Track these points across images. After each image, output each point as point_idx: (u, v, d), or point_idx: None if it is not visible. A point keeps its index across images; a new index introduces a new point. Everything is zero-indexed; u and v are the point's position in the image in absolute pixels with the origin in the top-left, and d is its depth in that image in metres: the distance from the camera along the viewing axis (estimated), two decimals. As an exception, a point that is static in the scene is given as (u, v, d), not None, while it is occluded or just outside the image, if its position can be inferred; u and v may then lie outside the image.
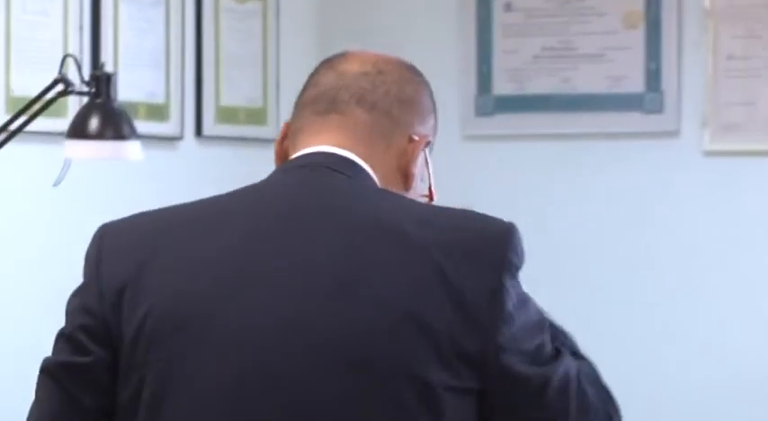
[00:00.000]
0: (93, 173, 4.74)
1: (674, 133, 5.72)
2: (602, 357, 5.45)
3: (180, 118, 5.54)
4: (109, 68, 4.77)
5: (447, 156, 5.65)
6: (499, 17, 5.89)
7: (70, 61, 4.35)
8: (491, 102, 5.90)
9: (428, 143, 3.25)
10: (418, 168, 3.29)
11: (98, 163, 4.52)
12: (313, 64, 5.90)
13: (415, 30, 5.98)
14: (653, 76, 5.71)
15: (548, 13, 5.84)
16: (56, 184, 4.30)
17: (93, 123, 4.28)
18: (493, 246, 3.09)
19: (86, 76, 4.35)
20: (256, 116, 5.85)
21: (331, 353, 3.08)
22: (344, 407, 3.11)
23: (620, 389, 3.76)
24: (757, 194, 5.69)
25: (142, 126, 4.91)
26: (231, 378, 3.08)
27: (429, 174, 3.34)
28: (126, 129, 4.34)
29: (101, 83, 4.34)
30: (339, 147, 3.19)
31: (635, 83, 5.75)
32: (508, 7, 5.89)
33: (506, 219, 5.89)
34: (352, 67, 3.28)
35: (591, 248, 5.85)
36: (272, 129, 5.77)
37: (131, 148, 4.33)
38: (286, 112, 5.59)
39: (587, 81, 5.79)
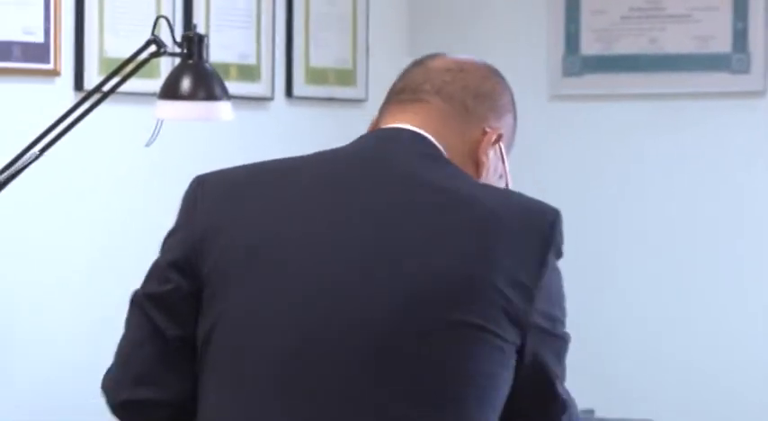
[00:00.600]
0: (184, 133, 4.77)
1: (760, 93, 5.71)
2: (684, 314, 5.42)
3: (270, 79, 5.57)
4: (201, 30, 4.75)
5: (535, 116, 5.74)
6: None
7: (162, 23, 4.37)
8: (578, 62, 5.92)
9: (500, 136, 3.45)
10: (491, 161, 3.51)
11: (189, 123, 4.55)
12: (402, 24, 5.95)
13: (500, 9, 6.01)
14: (740, 37, 5.72)
15: None
16: (148, 145, 4.33)
17: (185, 84, 4.33)
18: (544, 226, 3.40)
19: (178, 38, 4.38)
20: (345, 77, 5.86)
21: (405, 289, 3.32)
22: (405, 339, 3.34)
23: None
24: None
25: (233, 87, 4.94)
26: (302, 298, 3.36)
27: (506, 169, 3.56)
28: (217, 90, 4.38)
29: (192, 44, 4.38)
30: (415, 126, 3.43)
31: (722, 43, 5.74)
32: None
33: (593, 178, 5.92)
34: (438, 64, 3.51)
35: (676, 207, 5.84)
36: (360, 91, 5.86)
37: (223, 109, 4.37)
38: (374, 74, 5.74)
39: (674, 41, 5.79)
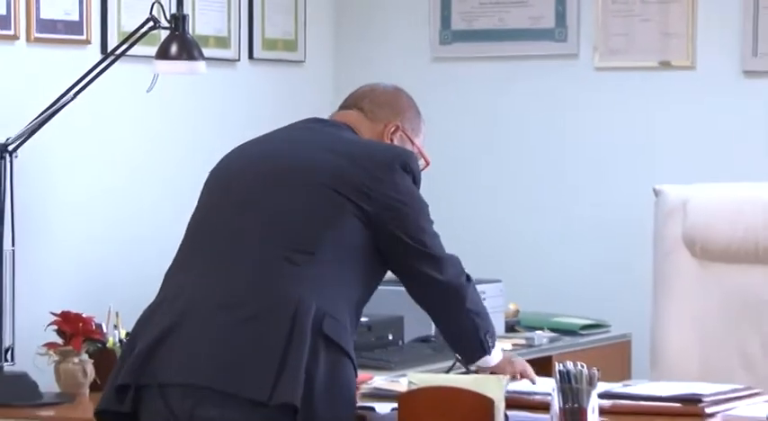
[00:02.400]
0: (173, 84, 4.74)
1: (575, 55, 5.71)
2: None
3: (237, 46, 5.55)
4: (188, 11, 4.90)
5: (421, 72, 5.85)
6: None
7: (157, 6, 4.38)
8: (450, 34, 5.88)
9: (397, 127, 3.84)
10: (396, 144, 3.83)
11: (176, 77, 4.56)
12: (330, 8, 5.84)
13: None
14: (560, 17, 5.70)
15: None
16: (148, 91, 4.44)
17: (173, 49, 4.41)
18: (394, 152, 3.74)
19: (169, 17, 4.40)
20: (289, 45, 5.78)
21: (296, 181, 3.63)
22: (299, 208, 3.62)
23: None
24: (629, 96, 5.64)
25: (211, 52, 5.08)
26: (232, 196, 3.66)
27: (417, 146, 3.88)
28: (196, 53, 4.45)
29: (179, 21, 4.44)
30: (339, 119, 3.86)
31: (548, 21, 5.73)
32: None
33: (462, 115, 5.95)
34: (363, 89, 3.94)
35: (517, 134, 5.81)
36: (300, 55, 5.82)
37: (199, 66, 4.46)
38: (309, 43, 5.77)
39: (515, 20, 5.77)
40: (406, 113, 3.91)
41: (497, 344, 3.80)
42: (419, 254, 3.66)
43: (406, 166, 3.70)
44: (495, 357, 3.77)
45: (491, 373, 3.69)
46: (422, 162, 3.88)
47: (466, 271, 3.74)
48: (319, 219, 3.60)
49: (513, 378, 3.78)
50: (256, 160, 3.74)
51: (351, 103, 3.92)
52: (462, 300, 3.71)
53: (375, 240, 3.62)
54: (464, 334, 3.77)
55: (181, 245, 3.65)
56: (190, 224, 3.68)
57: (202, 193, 3.71)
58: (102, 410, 3.49)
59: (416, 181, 3.74)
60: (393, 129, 3.85)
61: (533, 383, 3.81)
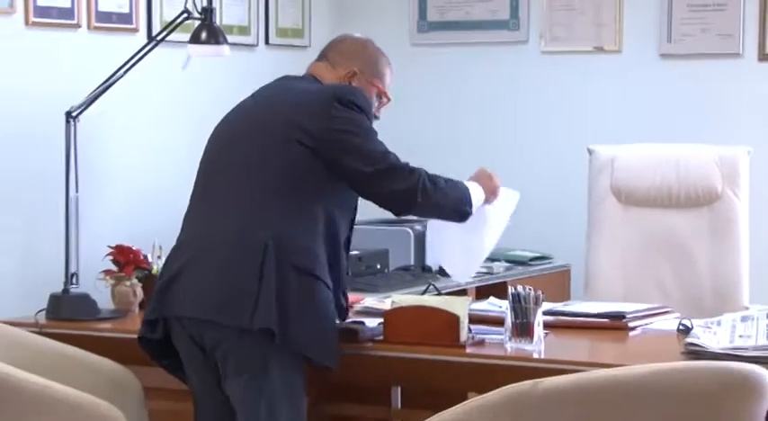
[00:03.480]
0: (202, 64, 4.68)
1: (524, 42, 5.67)
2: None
3: (256, 34, 5.50)
4: (216, 5, 4.83)
5: (403, 57, 5.77)
6: None
7: (191, 1, 4.34)
8: (426, 25, 5.84)
9: (354, 72, 3.68)
10: (355, 84, 3.66)
11: (205, 58, 4.52)
12: (332, 3, 5.69)
13: None
14: (514, 10, 5.66)
15: None
16: (183, 68, 4.44)
17: (203, 35, 4.40)
18: (330, 90, 3.58)
19: (200, 9, 4.37)
20: (297, 33, 5.72)
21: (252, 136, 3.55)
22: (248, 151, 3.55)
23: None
24: (568, 73, 5.61)
25: (235, 39, 5.10)
26: (218, 147, 3.64)
27: (379, 87, 3.72)
28: (221, 39, 4.43)
29: (208, 13, 4.40)
30: (311, 72, 3.73)
31: (504, 14, 5.68)
32: None
33: (436, 91, 5.88)
34: (333, 41, 3.81)
35: (476, 101, 5.76)
36: (306, 41, 5.73)
37: (224, 50, 4.44)
38: (314, 31, 5.70)
39: (479, 13, 5.72)
40: (365, 59, 3.75)
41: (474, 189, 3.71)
42: (371, 173, 3.51)
43: (341, 100, 3.54)
44: (477, 193, 3.72)
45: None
46: (384, 100, 3.76)
47: (428, 173, 3.57)
48: (279, 165, 3.50)
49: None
50: (234, 118, 3.68)
51: (321, 54, 3.79)
52: (428, 198, 3.55)
53: (332, 172, 3.50)
54: (445, 215, 3.72)
55: (192, 192, 3.64)
56: (197, 174, 3.66)
57: (205, 148, 3.69)
58: (141, 338, 3.51)
59: (361, 110, 3.57)
60: (351, 73, 3.69)
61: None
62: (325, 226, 3.50)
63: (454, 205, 3.64)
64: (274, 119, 3.56)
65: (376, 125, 3.63)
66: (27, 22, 4.53)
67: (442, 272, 4.86)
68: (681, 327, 3.64)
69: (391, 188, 3.52)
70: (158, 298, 3.48)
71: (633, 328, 3.78)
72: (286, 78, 3.78)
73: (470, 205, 3.66)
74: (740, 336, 3.35)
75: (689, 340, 3.39)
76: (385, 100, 3.77)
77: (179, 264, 3.49)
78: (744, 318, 3.47)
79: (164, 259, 4.16)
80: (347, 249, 3.64)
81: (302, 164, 3.49)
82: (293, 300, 3.38)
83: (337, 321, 3.54)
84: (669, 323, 3.80)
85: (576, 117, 5.56)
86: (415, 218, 4.90)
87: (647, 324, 3.82)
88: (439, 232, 3.89)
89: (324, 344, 3.43)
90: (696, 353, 3.30)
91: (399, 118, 5.72)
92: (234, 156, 3.59)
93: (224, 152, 3.62)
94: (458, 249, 3.85)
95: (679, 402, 2.86)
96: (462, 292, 4.62)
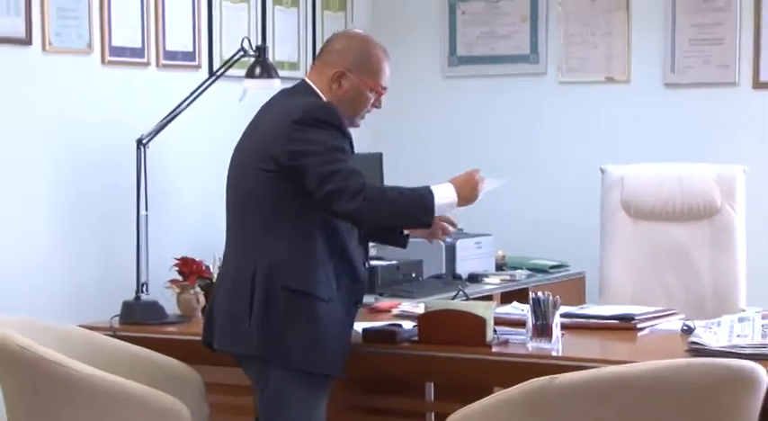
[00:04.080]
0: (257, 96, 4.35)
1: (543, 73, 5.62)
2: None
3: (304, 68, 5.36)
4: (269, 44, 4.89)
5: (436, 87, 5.80)
6: (461, 16, 5.74)
7: (246, 41, 4.35)
8: (456, 59, 5.79)
9: (341, 72, 3.31)
10: (344, 87, 3.32)
11: (259, 91, 4.38)
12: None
13: (418, 24, 5.83)
14: (534, 46, 5.61)
15: (480, 14, 5.71)
16: (240, 100, 4.37)
17: (257, 71, 4.37)
18: (289, 113, 3.28)
19: (254, 48, 4.37)
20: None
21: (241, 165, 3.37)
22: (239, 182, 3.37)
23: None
24: (582, 101, 5.56)
25: (285, 73, 4.96)
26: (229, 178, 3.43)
27: (370, 85, 3.33)
28: (273, 73, 4.40)
29: (261, 51, 4.39)
30: (307, 78, 3.45)
31: (525, 49, 5.63)
32: (463, 13, 5.74)
33: (465, 112, 5.75)
34: (327, 39, 3.49)
35: (502, 126, 5.72)
36: None
37: (276, 83, 4.37)
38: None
39: (502, 48, 5.67)
40: (353, 57, 3.35)
41: (442, 192, 3.34)
42: (321, 197, 3.23)
43: (301, 120, 3.24)
44: (445, 198, 3.34)
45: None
46: (381, 90, 3.39)
47: (379, 189, 3.31)
48: (253, 191, 3.32)
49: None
50: (237, 146, 3.50)
51: (317, 55, 3.49)
52: (376, 214, 3.24)
53: (301, 191, 3.25)
54: (402, 225, 3.42)
55: None
56: None
57: None
58: (204, 342, 3.48)
59: (326, 123, 3.25)
60: (339, 74, 3.33)
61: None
62: (324, 241, 3.30)
63: (408, 217, 3.31)
64: (251, 146, 3.38)
65: (380, 115, 3.57)
66: (103, 61, 4.55)
67: (470, 279, 4.87)
68: (684, 328, 3.63)
69: (340, 209, 3.22)
70: (204, 324, 3.48)
71: (641, 329, 3.76)
72: (281, 92, 3.54)
73: (429, 214, 3.28)
74: (738, 336, 3.34)
75: (692, 339, 3.38)
76: (382, 90, 3.41)
77: (213, 295, 3.50)
78: (741, 319, 3.45)
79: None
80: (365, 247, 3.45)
81: (276, 189, 3.28)
82: (283, 320, 3.23)
83: (353, 327, 3.41)
84: (674, 324, 3.79)
85: (589, 140, 5.51)
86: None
87: (653, 325, 3.81)
88: None
89: (320, 356, 3.26)
90: (698, 351, 3.30)
91: (433, 141, 5.74)
92: (229, 188, 3.44)
93: (227, 183, 3.47)
94: None
95: (682, 395, 2.86)
96: (488, 298, 4.62)
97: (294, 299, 3.25)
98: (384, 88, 3.40)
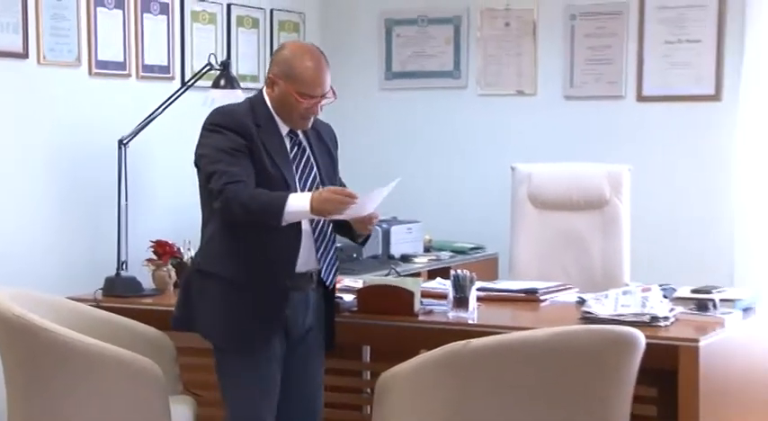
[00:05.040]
0: (221, 104, 4.36)
1: (465, 87, 5.57)
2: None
3: (264, 81, 5.39)
4: (232, 60, 4.85)
5: (373, 98, 5.75)
6: (396, 38, 5.68)
7: (213, 56, 4.33)
8: (391, 74, 5.73)
9: (270, 78, 3.08)
10: (276, 91, 3.06)
11: (223, 99, 4.26)
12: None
13: (361, 44, 5.77)
14: (457, 64, 5.57)
15: (412, 37, 5.65)
16: (204, 105, 4.24)
17: (222, 82, 4.31)
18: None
19: (219, 63, 4.32)
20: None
21: None
22: None
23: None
24: (497, 110, 5.51)
25: (247, 84, 4.93)
26: None
27: (286, 88, 3.02)
28: (235, 85, 4.33)
29: (225, 66, 4.34)
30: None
31: (449, 66, 5.58)
32: (398, 35, 5.67)
33: (399, 120, 5.69)
34: None
35: (430, 131, 5.66)
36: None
37: (238, 93, 4.27)
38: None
39: (431, 65, 5.62)
40: (280, 65, 3.08)
41: (300, 201, 3.00)
42: (208, 193, 3.07)
43: (205, 125, 3.13)
44: (296, 207, 2.98)
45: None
46: (317, 99, 3.05)
47: (238, 192, 2.96)
48: (201, 194, 3.17)
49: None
50: None
51: None
52: (233, 214, 3.00)
53: None
54: (257, 224, 3.03)
55: None
56: None
57: None
58: None
59: (219, 127, 3.05)
60: (270, 81, 3.10)
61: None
62: (245, 233, 3.06)
63: (260, 217, 3.00)
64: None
65: (326, 121, 3.27)
66: (90, 73, 4.51)
67: (402, 259, 4.87)
68: (578, 300, 3.64)
69: (216, 206, 3.03)
70: None
71: (543, 301, 3.78)
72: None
73: (276, 219, 2.96)
74: (622, 306, 3.36)
75: (584, 309, 3.42)
76: (315, 98, 3.04)
77: None
78: (625, 292, 3.47)
79: (192, 251, 4.16)
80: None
81: (203, 188, 3.12)
82: (196, 298, 3.13)
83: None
84: (570, 296, 3.81)
85: (502, 143, 5.49)
86: (384, 217, 4.91)
87: (553, 297, 3.83)
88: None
89: (226, 332, 3.08)
90: (589, 318, 3.34)
91: (372, 145, 5.71)
92: None
93: None
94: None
95: (576, 355, 2.87)
96: (416, 275, 4.62)
97: (205, 281, 3.11)
98: (308, 95, 3.03)
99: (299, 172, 3.11)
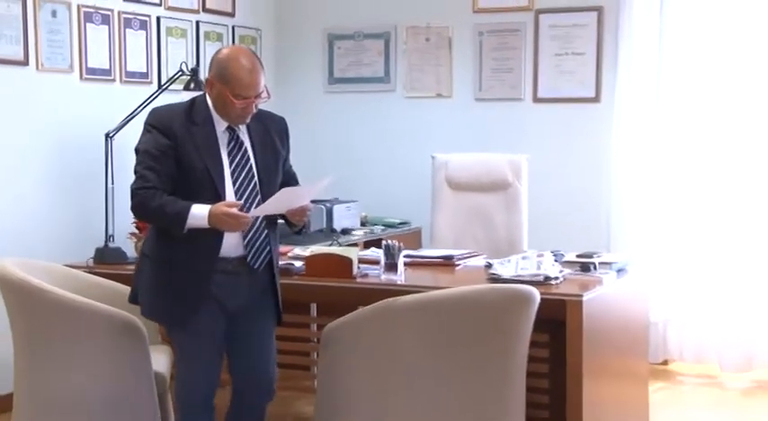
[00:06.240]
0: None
1: (394, 90, 5.54)
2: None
3: None
4: (200, 67, 4.75)
5: (319, 100, 5.68)
6: (337, 50, 5.61)
7: (184, 64, 4.30)
8: (333, 79, 5.67)
9: (208, 80, 2.79)
10: (212, 94, 2.78)
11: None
12: (270, 72, 5.48)
13: (308, 54, 5.69)
14: (387, 71, 5.53)
15: (350, 48, 5.59)
16: None
17: (191, 85, 4.27)
18: None
19: (189, 69, 4.29)
20: None
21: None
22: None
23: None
24: (421, 110, 5.49)
25: None
26: None
27: (225, 93, 2.73)
28: (202, 87, 3.90)
29: (194, 72, 4.31)
30: None
31: (381, 72, 5.54)
32: (338, 47, 5.62)
33: (340, 118, 5.62)
34: None
35: (364, 128, 5.59)
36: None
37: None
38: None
39: (365, 72, 5.57)
40: (215, 68, 2.77)
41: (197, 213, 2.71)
42: None
43: (144, 124, 2.85)
44: (196, 219, 2.71)
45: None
46: (251, 99, 2.74)
47: (148, 197, 2.73)
48: None
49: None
50: None
51: None
52: (141, 216, 2.85)
53: None
54: (162, 226, 2.80)
55: None
56: None
57: None
58: None
59: (151, 128, 2.79)
60: (208, 84, 2.79)
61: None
62: None
63: (164, 225, 2.79)
64: None
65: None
66: (81, 78, 4.45)
67: (342, 232, 4.84)
68: (486, 264, 3.65)
69: (130, 206, 2.85)
70: None
71: (458, 265, 3.78)
72: None
73: (179, 228, 2.73)
74: (521, 268, 3.38)
75: (491, 271, 3.43)
76: (248, 99, 2.74)
77: None
78: (524, 257, 3.49)
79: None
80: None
81: None
82: (138, 277, 2.95)
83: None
84: (479, 261, 3.81)
85: (425, 136, 5.46)
86: (327, 198, 4.90)
87: (466, 262, 3.83)
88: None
89: (151, 303, 2.89)
90: (495, 279, 3.34)
91: (317, 142, 5.67)
92: None
93: None
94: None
95: (484, 308, 2.88)
96: (354, 245, 4.60)
97: (144, 261, 2.91)
98: (241, 96, 2.73)
99: (234, 164, 2.81)
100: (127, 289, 3.47)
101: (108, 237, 4.08)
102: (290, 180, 3.00)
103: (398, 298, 2.90)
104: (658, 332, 4.84)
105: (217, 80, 2.77)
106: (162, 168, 2.75)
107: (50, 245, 4.27)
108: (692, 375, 4.74)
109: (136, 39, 4.74)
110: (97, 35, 4.53)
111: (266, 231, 2.91)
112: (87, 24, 4.46)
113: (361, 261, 3.59)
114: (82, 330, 3.09)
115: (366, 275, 3.50)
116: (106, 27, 4.57)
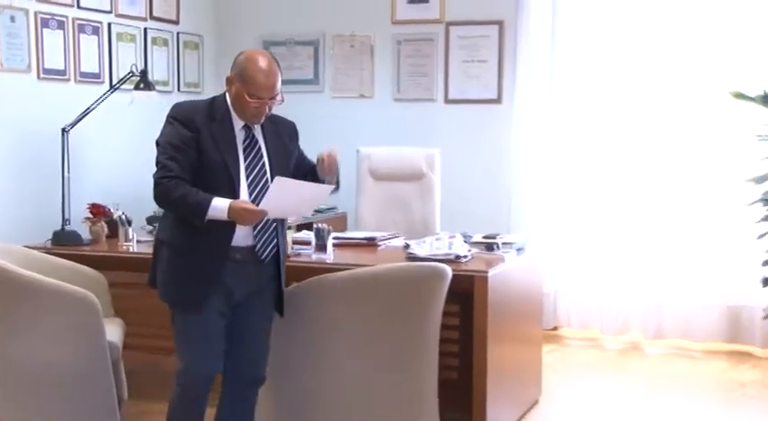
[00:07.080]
0: (140, 101, 4.32)
1: (322, 91, 5.43)
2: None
3: (173, 85, 5.19)
4: (149, 69, 4.68)
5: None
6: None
7: (134, 66, 4.19)
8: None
9: (228, 78, 2.67)
10: (232, 92, 2.66)
11: (142, 98, 4.21)
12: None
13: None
14: (316, 73, 5.42)
15: (284, 54, 5.48)
16: (129, 104, 4.22)
17: (141, 86, 4.17)
18: None
19: (139, 71, 4.18)
20: (197, 84, 5.36)
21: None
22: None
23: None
24: (346, 110, 5.44)
25: (160, 87, 4.80)
26: None
27: (238, 87, 2.62)
28: (151, 87, 4.20)
29: (143, 73, 4.21)
30: None
31: (311, 75, 5.46)
32: (273, 53, 5.59)
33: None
34: None
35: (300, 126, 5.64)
36: (200, 88, 5.36)
37: (154, 94, 4.19)
38: (207, 83, 5.38)
39: (297, 75, 5.43)
40: (236, 68, 2.65)
41: (218, 206, 2.58)
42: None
43: (166, 117, 2.69)
44: (217, 210, 2.58)
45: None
46: (264, 100, 2.65)
47: (171, 187, 2.56)
48: None
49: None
50: None
51: None
52: (163, 205, 2.64)
53: None
54: (182, 216, 2.64)
55: None
56: None
57: None
58: None
59: (173, 120, 2.62)
60: (228, 82, 2.67)
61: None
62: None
63: (184, 214, 2.63)
64: None
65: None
66: (38, 77, 4.31)
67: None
68: (404, 245, 3.67)
69: (153, 196, 2.65)
70: None
71: (380, 245, 3.80)
72: None
73: (199, 218, 2.59)
74: (436, 248, 3.41)
75: (408, 251, 3.43)
76: (262, 99, 2.65)
77: None
78: (437, 239, 3.52)
79: (120, 212, 4.00)
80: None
81: None
82: (155, 262, 2.76)
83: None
84: (399, 242, 3.83)
85: (350, 132, 5.42)
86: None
87: (387, 243, 3.84)
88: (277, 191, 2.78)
89: (166, 287, 2.70)
90: (412, 257, 3.34)
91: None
92: None
93: None
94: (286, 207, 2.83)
95: (403, 283, 2.90)
96: (289, 228, 4.54)
97: (160, 247, 2.72)
98: (256, 96, 2.64)
99: (248, 160, 2.69)
100: (82, 267, 3.40)
101: (64, 222, 3.98)
102: (303, 161, 2.94)
103: (329, 274, 2.90)
104: (550, 302, 4.93)
105: (236, 79, 2.65)
106: (183, 159, 2.59)
107: (11, 228, 4.13)
108: (577, 339, 4.88)
109: (89, 42, 4.59)
110: (53, 39, 4.40)
111: (275, 224, 2.76)
112: (44, 29, 4.33)
113: (295, 242, 3.57)
114: (43, 305, 3.02)
115: (299, 255, 3.46)
116: (61, 32, 4.41)
